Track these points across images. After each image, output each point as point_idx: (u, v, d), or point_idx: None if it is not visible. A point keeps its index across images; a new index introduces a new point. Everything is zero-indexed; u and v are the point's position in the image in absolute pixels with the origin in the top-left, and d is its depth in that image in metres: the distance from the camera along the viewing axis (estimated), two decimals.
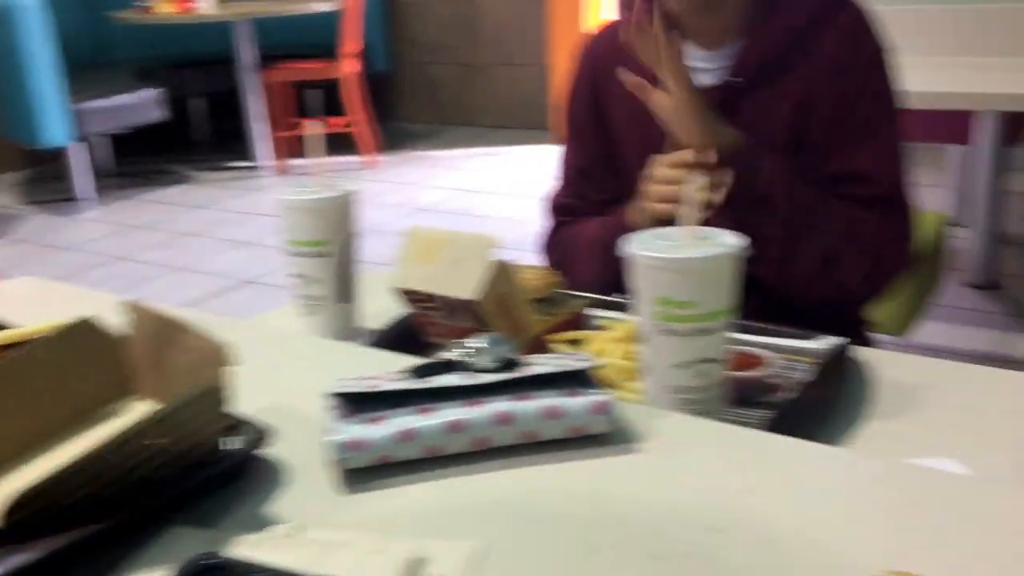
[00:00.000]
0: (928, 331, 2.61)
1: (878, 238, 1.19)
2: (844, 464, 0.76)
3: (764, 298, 1.23)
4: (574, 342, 1.00)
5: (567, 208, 1.37)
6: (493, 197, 4.37)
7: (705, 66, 1.23)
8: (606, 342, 0.97)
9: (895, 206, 1.21)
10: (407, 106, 6.26)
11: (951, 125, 3.30)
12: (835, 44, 1.19)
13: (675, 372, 0.81)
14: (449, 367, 0.72)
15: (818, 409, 0.90)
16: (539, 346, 0.97)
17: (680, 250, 0.79)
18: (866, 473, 0.74)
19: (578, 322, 1.04)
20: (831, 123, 1.19)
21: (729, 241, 0.81)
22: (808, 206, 1.17)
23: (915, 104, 2.87)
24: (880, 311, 2.24)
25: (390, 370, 0.74)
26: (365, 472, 0.71)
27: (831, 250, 1.17)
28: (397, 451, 0.70)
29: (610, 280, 1.22)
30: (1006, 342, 2.64)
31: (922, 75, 2.64)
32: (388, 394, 0.71)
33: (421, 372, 0.71)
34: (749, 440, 0.78)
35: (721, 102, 1.20)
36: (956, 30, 2.77)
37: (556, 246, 1.38)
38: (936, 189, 3.94)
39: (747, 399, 0.91)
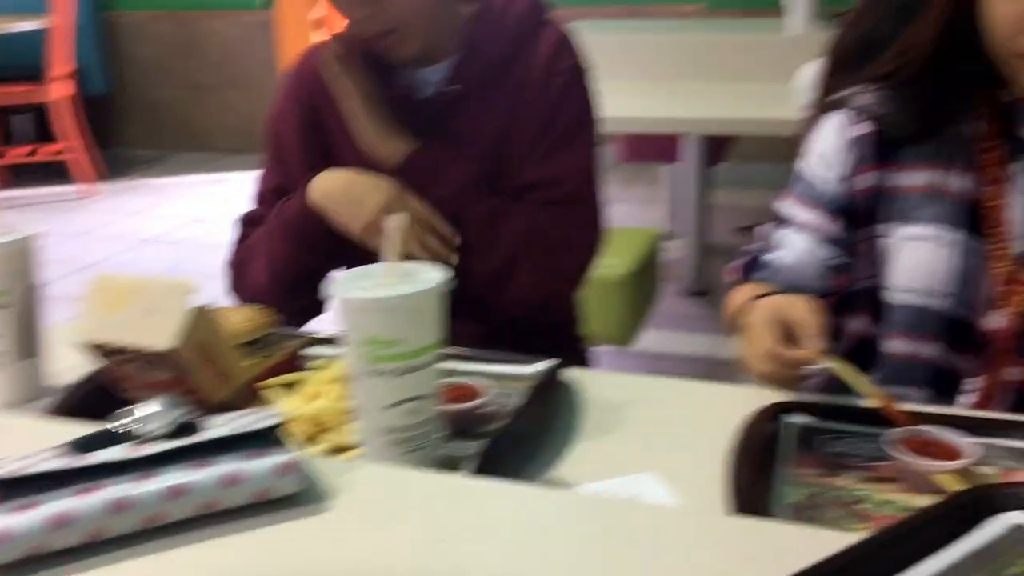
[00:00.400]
0: (651, 338, 2.79)
1: (556, 235, 1.24)
2: (540, 501, 0.77)
3: (485, 323, 1.26)
4: (289, 385, 0.96)
5: (256, 219, 1.34)
6: (224, 225, 4.18)
7: (425, 80, 1.27)
8: (322, 383, 0.94)
9: (578, 203, 1.28)
10: (130, 131, 5.87)
11: (661, 146, 3.56)
12: (539, 59, 1.25)
13: (387, 413, 0.79)
14: (113, 438, 0.66)
15: (531, 435, 0.92)
16: (251, 393, 0.93)
17: (383, 289, 0.78)
18: (563, 509, 0.75)
19: (293, 364, 1.00)
20: (533, 135, 1.25)
21: (432, 276, 0.81)
22: (486, 217, 1.22)
23: (628, 128, 3.09)
24: (603, 323, 2.36)
25: (59, 442, 0.67)
26: (15, 568, 0.63)
27: (508, 260, 1.22)
28: (52, 540, 0.64)
29: (290, 271, 1.25)
30: (717, 344, 2.87)
31: (634, 100, 2.83)
32: (44, 475, 0.63)
33: (81, 446, 0.64)
34: (444, 486, 0.78)
35: (437, 112, 1.25)
36: (662, 58, 2.99)
37: (236, 254, 1.34)
38: (652, 204, 4.25)
39: (465, 431, 0.91)
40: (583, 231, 1.28)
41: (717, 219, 3.46)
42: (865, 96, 1.10)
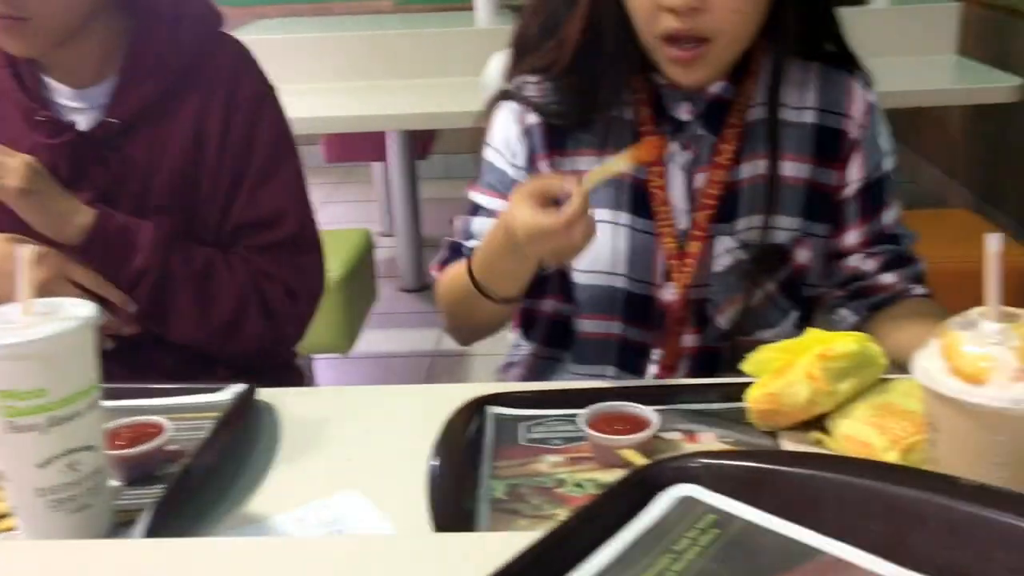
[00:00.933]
0: (372, 339, 2.75)
1: (282, 282, 1.16)
2: (222, 554, 0.70)
3: (181, 353, 1.16)
4: None
5: None
6: None
7: (77, 106, 1.11)
8: None
9: (301, 242, 1.20)
10: None
11: (366, 144, 3.53)
12: (219, 83, 1.14)
13: (39, 473, 0.70)
14: None
15: (222, 469, 0.85)
16: None
17: (16, 333, 0.68)
18: (248, 559, 0.70)
19: None
20: (228, 173, 1.14)
21: (79, 312, 0.72)
22: (200, 275, 1.11)
23: (330, 128, 3.02)
24: (319, 332, 2.29)
25: None
26: None
27: (231, 318, 1.13)
28: None
29: None
30: (439, 338, 2.88)
31: (333, 100, 2.77)
32: None
33: None
34: (108, 556, 0.69)
35: (97, 145, 1.09)
36: (357, 56, 2.94)
37: None
38: (366, 204, 4.21)
39: (146, 476, 0.83)
40: (310, 272, 1.20)
41: (430, 213, 3.48)
42: (530, 87, 1.12)
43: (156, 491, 0.78)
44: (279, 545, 0.73)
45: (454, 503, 0.75)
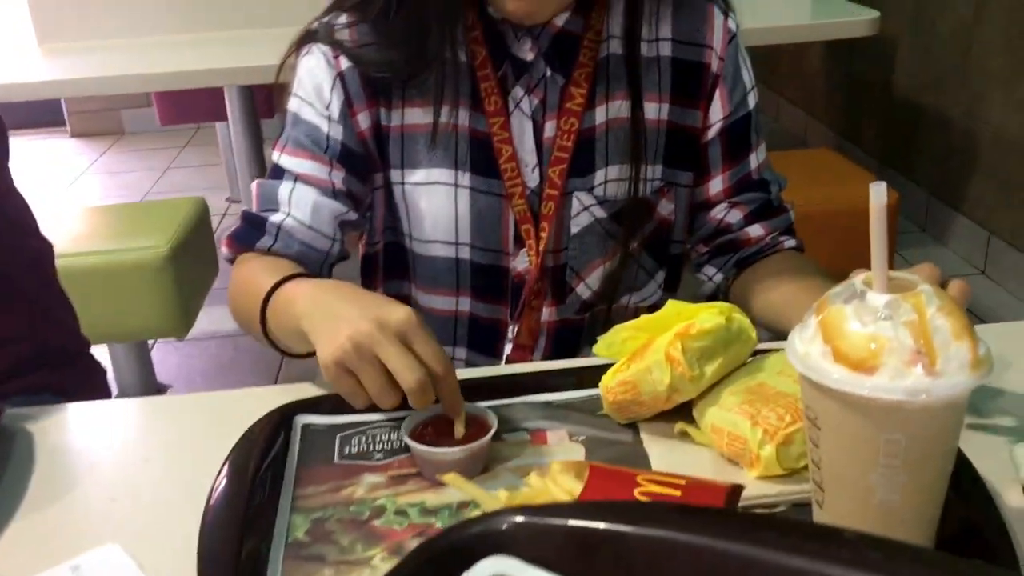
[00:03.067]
0: (216, 316, 2.53)
1: None
2: None
3: None
4: None
5: None
6: None
7: None
8: None
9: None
10: None
11: (206, 103, 3.25)
12: None
13: None
14: None
15: None
16: None
17: None
18: None
19: None
20: None
21: None
22: None
23: (167, 85, 2.73)
24: (149, 314, 2.06)
25: None
26: None
27: None
28: None
29: None
30: None
31: (166, 55, 2.50)
32: None
33: None
34: None
35: None
36: (183, 7, 2.67)
37: None
38: (212, 168, 3.91)
39: None
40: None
41: None
42: (342, 30, 0.94)
43: None
44: None
45: (226, 567, 0.58)
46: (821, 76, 3.98)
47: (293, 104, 0.95)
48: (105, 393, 1.17)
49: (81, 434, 0.80)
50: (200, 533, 0.61)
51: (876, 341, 0.51)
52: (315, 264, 0.94)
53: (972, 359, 0.51)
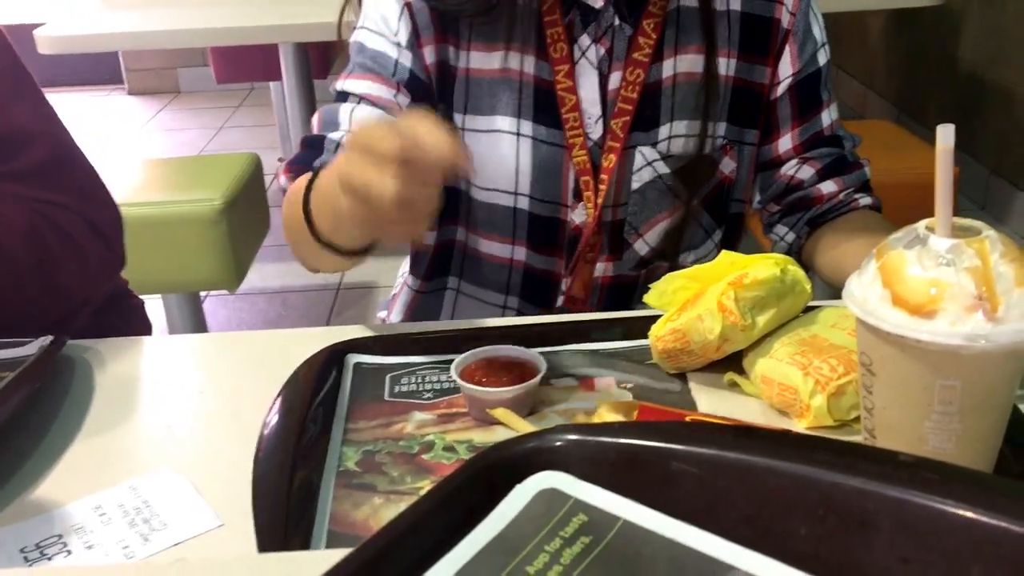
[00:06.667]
0: (267, 273, 2.57)
1: (77, 208, 0.95)
2: None
3: None
4: None
5: None
6: None
7: None
8: None
9: (68, 164, 0.96)
10: None
11: (261, 61, 3.27)
12: None
13: None
14: None
15: (12, 443, 0.69)
16: None
17: None
18: None
19: None
20: None
21: None
22: None
23: (221, 40, 2.75)
24: (201, 267, 2.09)
25: None
26: None
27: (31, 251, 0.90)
28: None
29: None
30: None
31: (229, 10, 2.52)
32: None
33: None
34: None
35: None
36: None
37: None
38: (265, 128, 3.95)
39: None
40: (95, 193, 0.98)
41: None
42: None
43: None
44: None
45: (279, 491, 0.59)
46: (882, 47, 3.89)
47: (358, 36, 0.93)
48: (146, 328, 1.17)
49: (138, 366, 0.82)
50: (255, 460, 0.62)
51: (937, 286, 0.51)
52: None
53: None
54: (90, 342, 0.84)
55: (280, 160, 3.66)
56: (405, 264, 1.13)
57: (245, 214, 2.19)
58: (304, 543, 0.57)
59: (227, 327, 2.45)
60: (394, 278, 1.17)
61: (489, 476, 0.37)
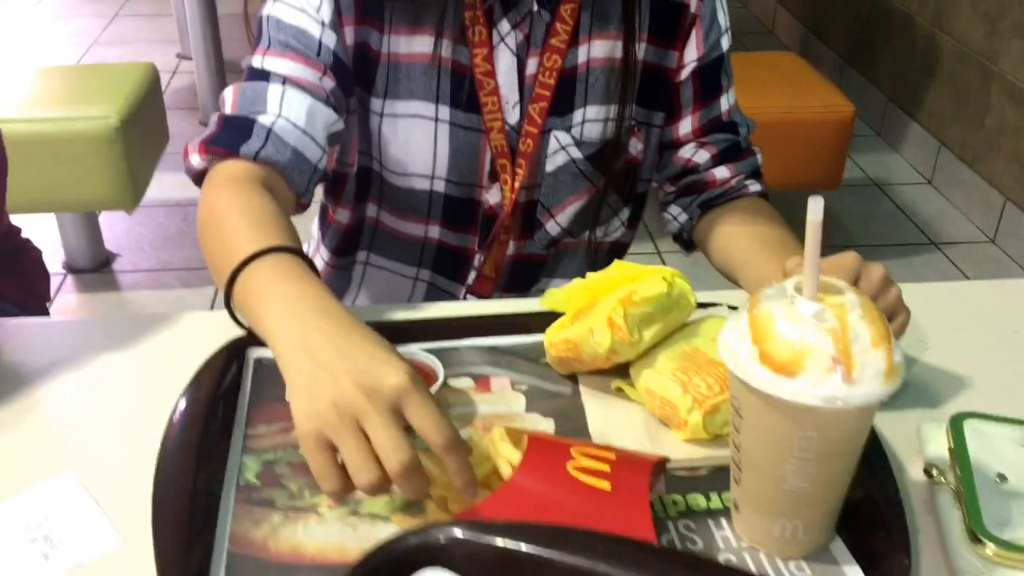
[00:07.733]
0: (168, 184, 2.49)
1: None
2: None
3: None
4: None
5: None
6: None
7: None
8: None
9: None
10: None
11: None
12: None
13: None
14: None
15: None
16: None
17: None
18: None
19: None
20: None
21: None
22: None
23: None
24: (96, 186, 2.03)
25: None
26: None
27: None
28: None
29: None
30: None
31: None
32: None
33: None
34: None
35: None
36: None
37: None
38: (161, 19, 3.76)
39: None
40: None
41: (233, 33, 3.13)
42: None
43: None
44: None
45: (178, 509, 0.61)
46: None
47: (273, 9, 0.89)
48: (43, 276, 1.14)
49: (38, 351, 0.82)
50: (155, 479, 0.64)
51: (800, 345, 0.55)
52: (303, 177, 0.87)
53: (887, 368, 0.55)
54: None
55: (178, 56, 3.50)
56: (314, 225, 1.13)
57: (142, 130, 2.12)
58: (204, 566, 0.59)
59: (126, 244, 2.39)
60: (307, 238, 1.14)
61: (380, 574, 0.41)
